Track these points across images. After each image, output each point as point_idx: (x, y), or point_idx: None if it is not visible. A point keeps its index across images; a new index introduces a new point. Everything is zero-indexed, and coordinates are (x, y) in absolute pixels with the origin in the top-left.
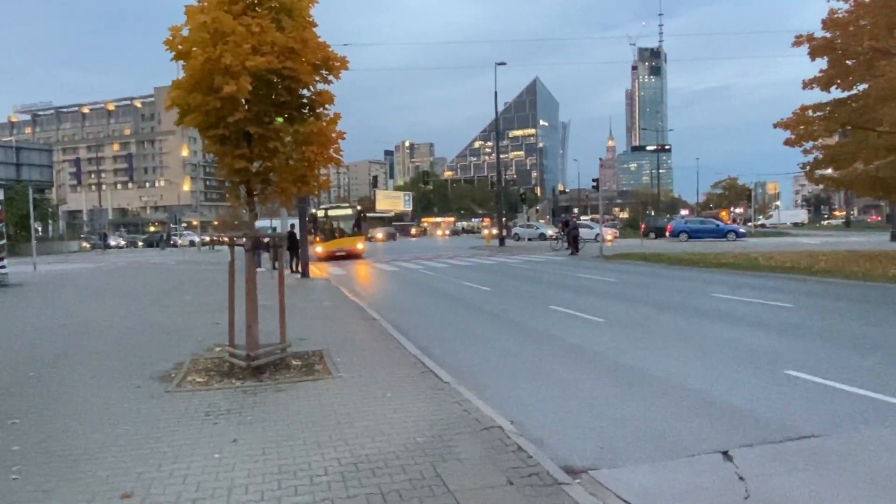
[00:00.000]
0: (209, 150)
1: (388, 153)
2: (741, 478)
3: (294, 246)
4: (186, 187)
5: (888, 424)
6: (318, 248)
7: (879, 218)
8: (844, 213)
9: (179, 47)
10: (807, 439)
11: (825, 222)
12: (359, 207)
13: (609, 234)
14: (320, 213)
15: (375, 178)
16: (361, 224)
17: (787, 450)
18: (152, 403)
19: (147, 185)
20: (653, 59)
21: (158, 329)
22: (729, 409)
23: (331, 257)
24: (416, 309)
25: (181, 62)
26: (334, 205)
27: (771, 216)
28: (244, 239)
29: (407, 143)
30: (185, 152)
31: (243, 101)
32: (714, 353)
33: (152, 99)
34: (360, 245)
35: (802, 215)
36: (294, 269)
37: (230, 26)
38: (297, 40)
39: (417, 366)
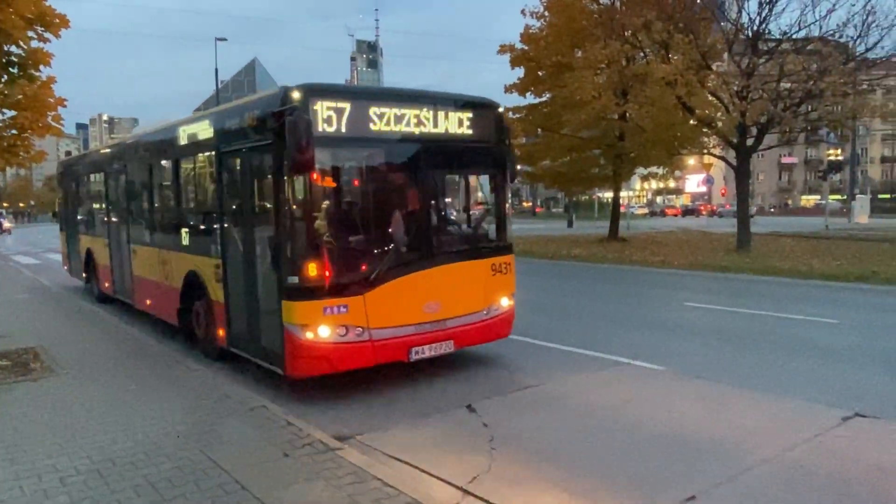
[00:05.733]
0: None
1: (82, 127)
2: (485, 424)
3: None
4: None
5: (589, 371)
6: (318, 330)
7: (543, 209)
8: (530, 203)
9: None
10: (531, 388)
11: None
12: (501, 108)
13: None
14: (328, 122)
15: (69, 153)
16: (504, 180)
17: (517, 398)
18: None
19: None
20: (370, 52)
21: None
22: (463, 370)
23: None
24: None
25: None
26: (385, 91)
27: None
28: None
29: (105, 117)
30: None
31: None
32: None
33: None
34: (505, 299)
35: None
36: None
37: None
38: None
39: (164, 356)
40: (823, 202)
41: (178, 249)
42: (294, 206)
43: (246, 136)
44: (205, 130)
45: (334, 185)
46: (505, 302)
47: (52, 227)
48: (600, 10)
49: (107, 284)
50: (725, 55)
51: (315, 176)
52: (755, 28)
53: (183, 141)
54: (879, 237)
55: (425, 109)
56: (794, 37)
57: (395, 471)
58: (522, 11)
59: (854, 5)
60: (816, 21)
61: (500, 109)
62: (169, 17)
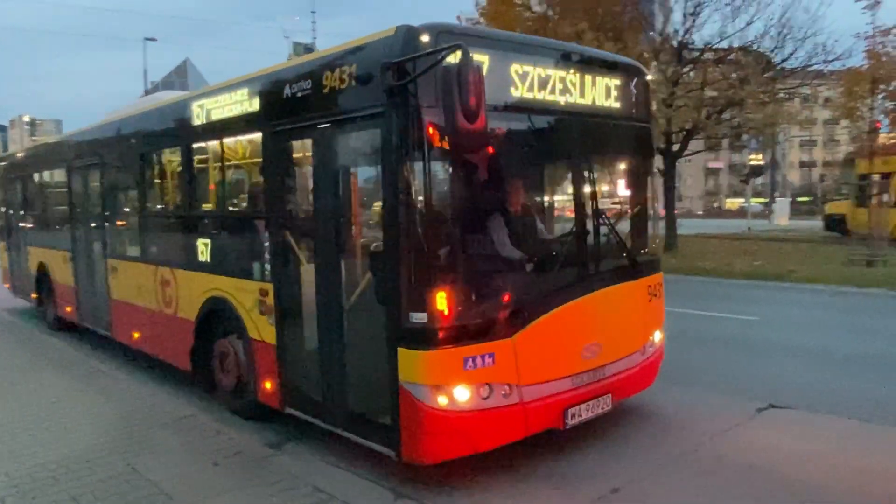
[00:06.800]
0: None
1: (1, 129)
2: None
3: None
4: None
5: None
6: (454, 392)
7: None
8: None
9: None
10: None
11: None
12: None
13: None
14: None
15: None
16: (651, 170)
17: None
18: None
19: None
20: (307, 54)
21: None
22: None
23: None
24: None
25: None
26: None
27: None
28: None
29: (27, 118)
30: None
31: None
32: None
33: None
34: (658, 332)
35: None
36: None
37: None
38: None
39: (84, 365)
40: (746, 205)
41: (189, 267)
42: (426, 208)
43: (326, 104)
44: (241, 103)
45: (474, 177)
46: (657, 336)
47: None
48: (534, 18)
49: (68, 309)
50: (653, 64)
51: (474, 159)
52: (680, 38)
53: (199, 120)
54: (798, 238)
55: (572, 71)
56: (715, 47)
57: (327, 476)
58: (458, 18)
59: (771, 18)
60: (736, 32)
61: (649, 77)
62: (95, 16)
